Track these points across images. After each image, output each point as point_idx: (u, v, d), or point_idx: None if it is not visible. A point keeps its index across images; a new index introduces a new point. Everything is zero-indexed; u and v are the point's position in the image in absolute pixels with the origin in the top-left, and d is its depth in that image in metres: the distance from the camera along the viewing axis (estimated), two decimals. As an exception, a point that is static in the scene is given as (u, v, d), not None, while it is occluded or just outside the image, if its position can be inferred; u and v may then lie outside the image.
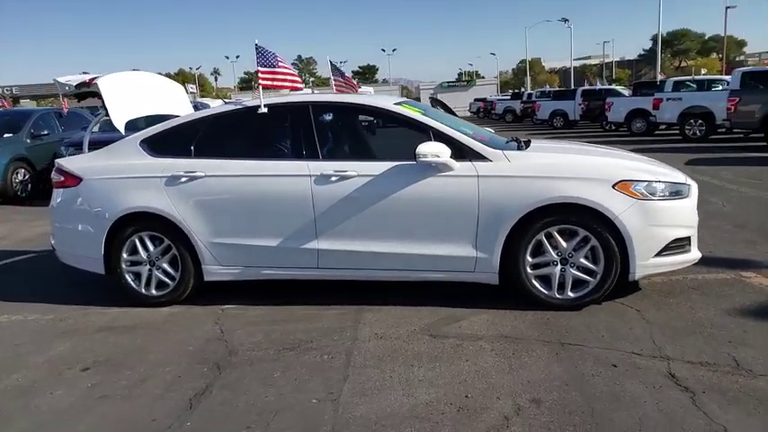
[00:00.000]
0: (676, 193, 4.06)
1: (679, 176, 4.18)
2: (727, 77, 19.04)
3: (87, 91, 4.97)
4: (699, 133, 16.36)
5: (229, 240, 4.42)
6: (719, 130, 16.11)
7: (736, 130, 14.66)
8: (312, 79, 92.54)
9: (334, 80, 6.06)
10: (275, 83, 4.82)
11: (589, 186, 3.93)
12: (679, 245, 4.07)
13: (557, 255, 4.02)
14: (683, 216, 4.06)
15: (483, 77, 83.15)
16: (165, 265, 4.57)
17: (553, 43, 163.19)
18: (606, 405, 2.84)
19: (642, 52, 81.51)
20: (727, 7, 47.87)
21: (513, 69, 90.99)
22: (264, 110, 4.48)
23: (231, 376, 3.38)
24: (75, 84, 4.97)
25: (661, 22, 34.06)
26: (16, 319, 4.56)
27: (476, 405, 2.92)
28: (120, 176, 4.58)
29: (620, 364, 3.25)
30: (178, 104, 5.74)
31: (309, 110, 4.43)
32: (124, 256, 4.60)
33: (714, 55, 72.57)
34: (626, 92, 24.64)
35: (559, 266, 4.03)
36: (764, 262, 4.87)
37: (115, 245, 4.59)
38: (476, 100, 45.37)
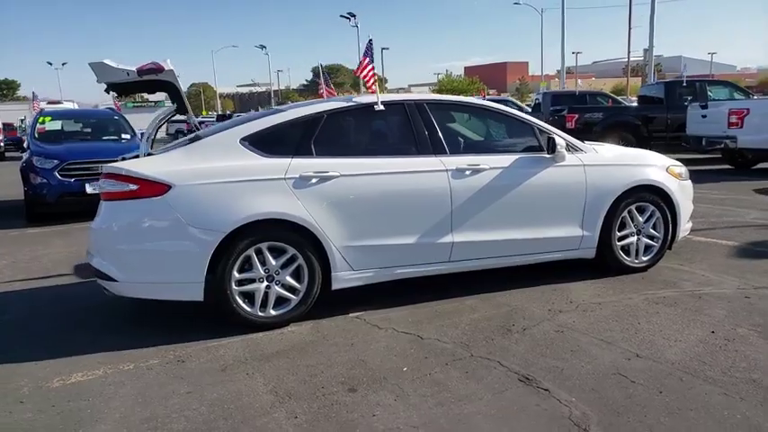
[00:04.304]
0: (687, 175, 5.39)
1: None
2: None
3: (154, 79, 4.01)
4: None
5: (366, 242, 4.17)
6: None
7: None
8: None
9: (327, 89, 5.86)
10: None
11: (657, 171, 5.00)
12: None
13: (634, 227, 4.96)
14: (691, 193, 5.41)
15: (147, 99, 79.28)
16: (289, 279, 4.04)
17: (223, 68, 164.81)
18: (798, 317, 3.89)
19: (305, 82, 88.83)
20: (383, 48, 56.18)
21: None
22: (381, 107, 4.37)
23: (516, 360, 3.41)
24: (135, 69, 3.96)
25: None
26: (112, 371, 3.47)
27: (728, 336, 3.65)
28: (232, 180, 3.90)
29: (750, 296, 4.34)
30: None
31: (426, 107, 4.49)
32: (235, 274, 3.91)
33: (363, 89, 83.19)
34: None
35: (636, 237, 4.98)
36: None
37: (222, 263, 3.87)
38: (172, 122, 43.04)
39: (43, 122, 10.68)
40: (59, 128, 10.87)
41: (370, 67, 4.54)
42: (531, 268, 4.88)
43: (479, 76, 60.15)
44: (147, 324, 4.29)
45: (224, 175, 3.89)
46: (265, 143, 4.08)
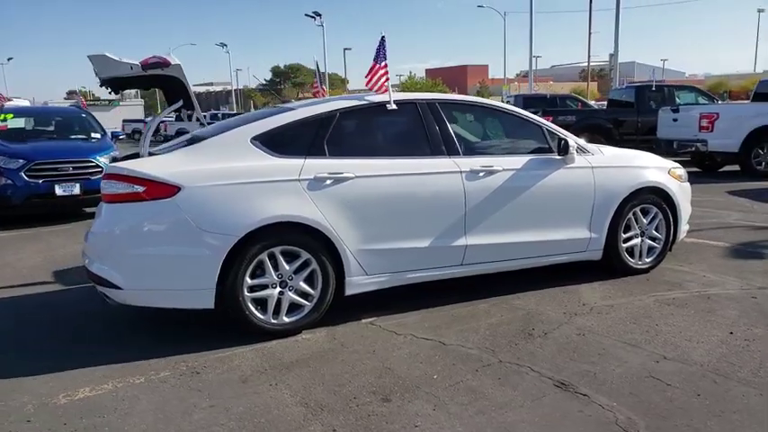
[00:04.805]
0: (686, 178, 5.44)
1: None
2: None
3: (160, 74, 3.80)
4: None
5: (380, 246, 4.06)
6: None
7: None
8: None
9: (320, 86, 5.70)
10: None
11: (660, 173, 5.03)
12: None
13: (638, 229, 4.98)
14: (690, 195, 5.47)
15: (99, 98, 76.99)
16: (302, 284, 3.89)
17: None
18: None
19: (263, 82, 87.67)
20: (345, 49, 56.09)
21: (137, 92, 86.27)
22: (394, 106, 4.27)
23: (546, 365, 3.35)
24: (139, 63, 3.74)
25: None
26: (122, 385, 3.26)
27: (747, 336, 3.67)
28: (245, 181, 3.73)
29: (756, 296, 4.40)
30: None
31: (438, 107, 4.40)
32: (247, 280, 3.74)
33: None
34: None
35: (640, 239, 5.00)
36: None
37: (234, 268, 3.69)
38: (128, 121, 41.31)
39: (5, 120, 10.17)
40: (23, 126, 10.36)
41: (382, 67, 4.39)
42: (536, 270, 4.84)
43: (441, 79, 60.51)
44: (147, 333, 4.07)
45: (236, 176, 3.72)
46: (277, 143, 3.92)
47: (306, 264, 3.89)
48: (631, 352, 3.51)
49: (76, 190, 8.58)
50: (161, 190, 3.59)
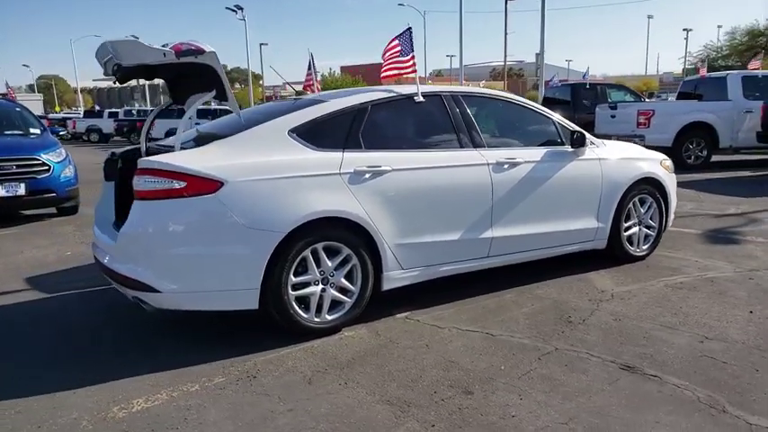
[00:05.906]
0: (673, 169, 5.75)
1: None
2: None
3: (194, 62, 3.54)
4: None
5: (415, 239, 4.02)
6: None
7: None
8: None
9: (315, 80, 5.54)
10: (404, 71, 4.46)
11: (655, 164, 5.29)
12: (672, 205, 5.78)
13: (637, 218, 5.22)
14: (676, 185, 5.77)
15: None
16: (343, 281, 3.79)
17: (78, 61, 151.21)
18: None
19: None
20: (261, 44, 55.12)
21: (28, 86, 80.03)
22: (421, 98, 4.23)
23: (602, 350, 3.44)
24: (171, 47, 3.47)
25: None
26: (178, 394, 3.04)
27: (766, 315, 3.96)
28: (288, 175, 3.58)
29: (753, 278, 4.72)
30: None
31: (462, 99, 4.41)
32: (291, 278, 3.60)
33: (237, 85, 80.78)
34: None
35: (638, 227, 5.24)
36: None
37: (279, 266, 3.54)
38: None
39: None
40: None
41: (410, 59, 4.35)
42: (542, 260, 4.92)
43: (361, 76, 60.58)
44: (171, 338, 3.81)
45: (279, 170, 3.56)
46: (315, 135, 3.78)
47: (346, 259, 3.78)
48: (673, 334, 3.66)
49: (21, 190, 7.90)
50: (203, 185, 3.37)
